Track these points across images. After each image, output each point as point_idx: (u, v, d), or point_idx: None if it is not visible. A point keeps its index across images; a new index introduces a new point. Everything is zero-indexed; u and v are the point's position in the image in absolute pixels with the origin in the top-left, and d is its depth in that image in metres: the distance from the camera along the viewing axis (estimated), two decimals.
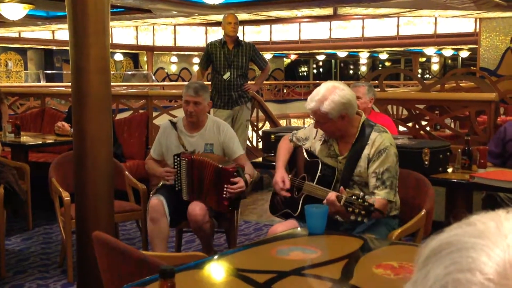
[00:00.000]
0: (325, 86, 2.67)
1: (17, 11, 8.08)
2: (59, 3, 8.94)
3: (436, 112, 6.54)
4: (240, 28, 6.10)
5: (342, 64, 30.50)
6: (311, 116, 2.75)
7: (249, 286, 1.61)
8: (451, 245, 0.48)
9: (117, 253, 1.89)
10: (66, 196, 3.66)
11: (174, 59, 24.08)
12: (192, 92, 3.58)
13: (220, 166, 3.39)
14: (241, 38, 5.95)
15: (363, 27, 19.16)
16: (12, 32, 15.34)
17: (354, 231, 2.54)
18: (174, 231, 3.89)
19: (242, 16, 11.26)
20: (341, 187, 2.48)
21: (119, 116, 6.92)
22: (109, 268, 1.95)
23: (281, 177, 2.84)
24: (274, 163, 3.04)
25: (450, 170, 3.47)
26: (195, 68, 24.04)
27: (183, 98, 3.64)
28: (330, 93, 2.62)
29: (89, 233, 2.85)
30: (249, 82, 5.96)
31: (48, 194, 4.09)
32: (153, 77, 20.61)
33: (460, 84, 9.70)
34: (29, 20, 9.61)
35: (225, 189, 3.35)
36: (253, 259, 1.95)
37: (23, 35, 16.76)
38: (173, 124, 3.72)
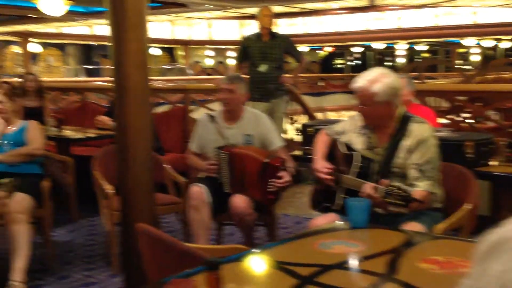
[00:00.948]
0: (378, 69, 2.69)
1: (58, 7, 8.24)
2: None
3: (478, 103, 6.40)
4: (274, 21, 6.10)
5: (378, 56, 30.11)
6: (355, 97, 2.71)
7: (292, 279, 1.62)
8: (510, 240, 0.47)
9: (161, 245, 1.92)
10: (109, 189, 3.74)
11: (210, 53, 24.19)
12: (226, 81, 3.66)
13: (266, 160, 3.41)
14: (275, 31, 5.94)
15: (399, 18, 18.84)
16: (52, 28, 15.66)
17: (396, 224, 2.52)
18: (215, 224, 3.93)
19: (276, 9, 11.22)
20: (382, 179, 2.47)
21: (157, 110, 7.00)
22: (152, 260, 1.98)
23: (322, 165, 2.84)
24: (312, 156, 3.04)
25: (493, 163, 3.40)
26: (230, 61, 24.15)
27: (219, 88, 3.71)
28: (383, 76, 2.62)
29: (132, 225, 2.90)
30: (285, 74, 5.96)
31: (91, 187, 4.19)
32: (190, 71, 20.75)
33: (503, 75, 9.47)
34: (68, 16, 9.79)
35: (271, 182, 3.37)
36: (295, 252, 1.96)
37: (63, 30, 17.09)
38: (211, 117, 3.75)
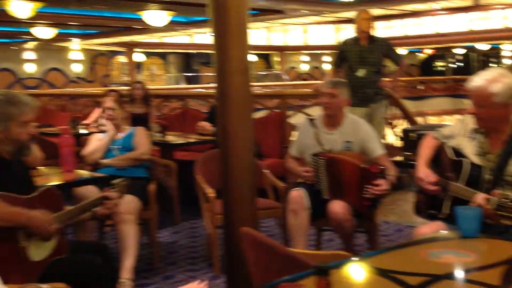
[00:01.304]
0: (496, 70, 2.54)
1: (161, 18, 8.60)
2: (198, 9, 9.39)
3: None
4: (373, 24, 5.99)
5: (482, 58, 28.69)
6: (470, 98, 2.59)
7: None
8: None
9: (265, 248, 1.94)
10: (211, 192, 3.83)
11: (305, 58, 24.20)
12: (328, 85, 3.65)
13: (363, 166, 3.36)
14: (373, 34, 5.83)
15: (505, 17, 17.84)
16: (154, 38, 16.36)
17: (508, 234, 2.38)
18: (313, 229, 3.92)
19: (373, 12, 11.03)
20: (494, 190, 2.33)
21: (255, 115, 7.09)
22: (256, 263, 2.01)
23: (424, 173, 2.73)
24: (414, 162, 2.93)
25: None
26: (325, 66, 24.01)
27: (320, 92, 3.69)
28: (503, 76, 2.48)
29: (235, 229, 2.97)
30: (384, 78, 5.83)
31: (193, 190, 4.32)
32: (285, 77, 20.88)
33: None
34: (170, 26, 10.18)
35: (366, 189, 3.31)
36: (402, 260, 1.91)
37: (165, 40, 17.79)
38: (311, 121, 3.74)
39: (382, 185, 3.31)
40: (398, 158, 4.44)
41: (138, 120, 6.27)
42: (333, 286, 1.19)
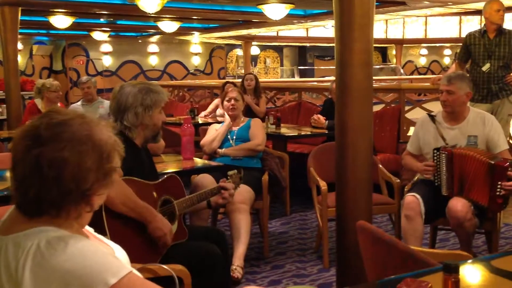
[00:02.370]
0: None
1: (279, 11, 8.67)
2: (316, 1, 9.36)
3: None
4: (505, 15, 5.61)
5: None
6: None
7: None
8: None
9: (382, 244, 1.90)
10: (323, 185, 3.83)
11: (424, 51, 23.33)
12: (445, 81, 3.51)
13: (492, 161, 3.19)
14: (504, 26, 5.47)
15: None
16: (271, 32, 16.56)
17: None
18: (428, 227, 3.79)
19: (505, 2, 10.35)
20: None
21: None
22: (373, 258, 1.97)
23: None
24: None
25: None
26: (446, 60, 22.98)
27: (440, 88, 3.55)
28: None
29: (349, 222, 2.95)
30: None
31: (303, 182, 4.33)
32: (402, 71, 20.27)
33: None
34: (287, 19, 10.23)
35: (499, 186, 3.14)
36: None
37: (280, 33, 17.96)
38: (431, 117, 3.62)
39: None
40: None
41: (250, 111, 6.42)
42: (460, 284, 1.14)
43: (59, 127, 1.30)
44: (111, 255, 1.31)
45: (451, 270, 1.12)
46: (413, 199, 3.35)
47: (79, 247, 1.24)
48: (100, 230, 1.61)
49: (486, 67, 5.32)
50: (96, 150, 1.31)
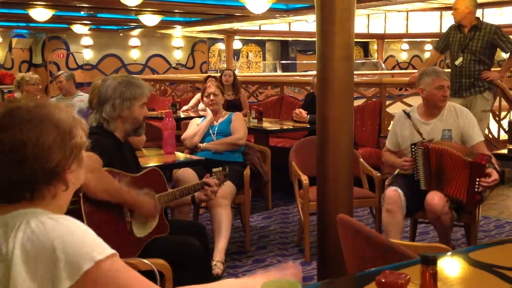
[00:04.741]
0: None
1: (261, 5, 8.66)
2: None
3: None
4: (479, 11, 5.62)
5: None
6: None
7: (506, 284, 1.51)
8: None
9: (362, 237, 1.92)
10: (305, 179, 3.84)
11: (405, 46, 23.51)
12: (446, 76, 3.54)
13: (470, 159, 3.22)
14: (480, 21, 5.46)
15: None
16: (253, 26, 16.54)
17: None
18: (408, 220, 3.82)
19: None
20: None
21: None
22: (353, 251, 1.99)
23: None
24: None
25: None
26: (427, 55, 23.17)
27: (433, 84, 3.50)
28: None
29: (329, 215, 2.96)
30: (492, 69, 5.49)
31: (285, 177, 4.34)
32: (383, 65, 20.40)
33: None
34: (269, 13, 10.23)
35: (477, 182, 3.18)
36: (508, 256, 1.81)
37: (263, 28, 17.95)
38: (407, 114, 3.65)
39: (493, 174, 3.17)
40: (502, 151, 4.23)
41: (229, 106, 6.41)
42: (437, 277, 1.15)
43: (15, 112, 1.32)
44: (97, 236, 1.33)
45: (428, 262, 1.13)
46: (394, 193, 3.38)
47: (68, 225, 1.27)
48: None
49: (458, 61, 5.35)
50: (55, 128, 1.32)
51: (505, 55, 5.75)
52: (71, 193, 1.41)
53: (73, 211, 1.45)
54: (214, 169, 3.07)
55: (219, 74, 7.58)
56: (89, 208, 2.34)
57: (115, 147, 2.65)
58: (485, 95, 5.35)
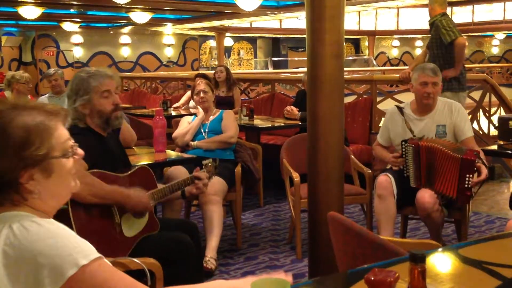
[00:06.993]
0: None
1: (252, 2, 8.65)
2: None
3: None
4: (449, 8, 5.61)
5: None
6: None
7: (495, 280, 1.51)
8: None
9: (352, 234, 1.92)
10: (296, 176, 3.84)
11: (396, 43, 23.56)
12: (431, 73, 3.52)
13: (459, 155, 3.23)
14: (452, 18, 5.46)
15: None
16: (244, 23, 16.51)
17: None
18: (399, 217, 3.84)
19: None
20: None
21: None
22: (343, 248, 1.99)
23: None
24: (510, 152, 2.77)
25: None
26: (418, 51, 23.24)
27: (418, 80, 3.54)
28: None
29: (320, 213, 2.96)
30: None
31: (276, 174, 4.34)
32: (374, 62, 20.44)
33: None
34: (260, 10, 10.22)
35: (467, 179, 3.19)
36: (497, 252, 1.82)
37: (254, 25, 17.93)
38: (400, 109, 3.66)
39: (482, 171, 3.19)
40: (492, 147, 4.27)
41: (222, 103, 6.40)
42: (426, 274, 1.16)
43: None
44: (82, 240, 1.30)
45: (417, 260, 1.13)
46: (385, 178, 3.39)
47: (51, 229, 1.25)
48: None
49: (427, 58, 5.41)
50: (5, 140, 1.27)
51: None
52: (58, 199, 1.37)
53: (61, 212, 1.43)
54: (204, 161, 3.06)
55: (210, 72, 7.55)
56: (77, 208, 2.32)
57: (97, 143, 2.63)
58: (459, 95, 5.19)
